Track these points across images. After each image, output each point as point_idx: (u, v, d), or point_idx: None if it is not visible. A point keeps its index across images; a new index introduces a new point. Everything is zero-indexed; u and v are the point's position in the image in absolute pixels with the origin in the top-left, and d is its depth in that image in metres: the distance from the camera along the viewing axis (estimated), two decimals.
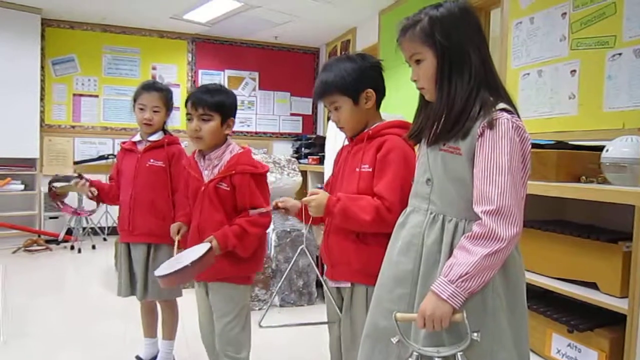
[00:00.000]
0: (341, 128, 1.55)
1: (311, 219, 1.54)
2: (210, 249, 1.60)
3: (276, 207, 1.60)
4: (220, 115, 1.73)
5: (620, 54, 2.52)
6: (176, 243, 1.80)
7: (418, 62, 1.17)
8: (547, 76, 2.96)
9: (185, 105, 1.75)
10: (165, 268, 1.64)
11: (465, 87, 1.11)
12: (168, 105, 2.21)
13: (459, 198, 1.13)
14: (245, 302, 1.83)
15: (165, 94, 2.19)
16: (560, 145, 2.33)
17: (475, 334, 1.06)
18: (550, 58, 2.94)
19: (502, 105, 1.11)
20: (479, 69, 1.12)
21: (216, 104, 1.72)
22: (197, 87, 1.77)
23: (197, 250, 1.64)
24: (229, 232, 1.68)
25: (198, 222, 1.76)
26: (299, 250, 1.62)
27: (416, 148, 1.32)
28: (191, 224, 1.81)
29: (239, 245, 1.68)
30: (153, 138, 2.19)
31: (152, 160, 2.15)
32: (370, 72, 1.50)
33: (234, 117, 1.79)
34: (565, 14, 2.84)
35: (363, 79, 1.48)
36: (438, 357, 1.10)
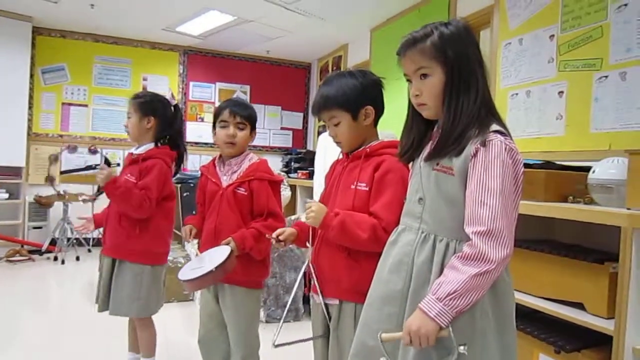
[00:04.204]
0: (338, 143, 1.55)
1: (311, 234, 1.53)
2: (232, 252, 1.66)
3: (278, 241, 1.57)
4: (250, 126, 1.91)
5: (606, 77, 2.56)
6: (196, 245, 1.85)
7: (424, 76, 1.15)
8: (535, 97, 3.00)
9: (219, 114, 1.90)
10: (187, 272, 1.67)
11: (472, 106, 1.10)
12: (142, 111, 2.13)
13: (451, 218, 1.12)
14: (258, 307, 1.91)
15: (137, 101, 2.15)
16: (548, 165, 2.34)
17: (462, 347, 1.05)
18: (538, 79, 2.99)
19: (495, 127, 1.11)
20: (483, 88, 1.12)
21: (249, 116, 1.91)
22: (227, 100, 1.98)
23: (218, 253, 1.66)
24: (247, 234, 1.77)
25: (215, 224, 1.85)
26: (305, 263, 1.55)
27: (409, 166, 1.32)
28: (205, 226, 1.90)
29: (255, 247, 1.77)
30: (138, 151, 2.16)
31: (128, 175, 2.11)
32: (371, 89, 1.50)
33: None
34: (553, 36, 2.89)
35: (364, 95, 1.48)
36: None
